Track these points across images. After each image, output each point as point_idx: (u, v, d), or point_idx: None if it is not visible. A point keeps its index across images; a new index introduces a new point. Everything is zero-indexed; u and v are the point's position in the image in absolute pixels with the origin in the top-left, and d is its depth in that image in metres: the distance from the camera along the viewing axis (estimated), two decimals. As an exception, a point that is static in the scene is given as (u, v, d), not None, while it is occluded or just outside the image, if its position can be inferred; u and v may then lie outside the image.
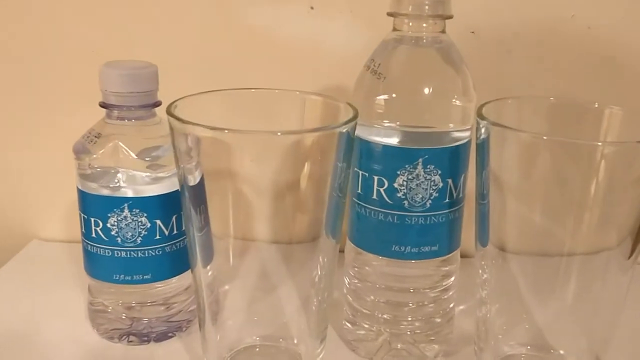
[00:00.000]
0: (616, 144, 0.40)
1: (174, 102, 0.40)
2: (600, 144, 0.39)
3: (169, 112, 0.39)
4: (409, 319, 0.48)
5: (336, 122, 0.40)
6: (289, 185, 0.41)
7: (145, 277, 0.48)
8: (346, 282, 0.49)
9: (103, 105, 0.47)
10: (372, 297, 0.48)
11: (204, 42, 0.60)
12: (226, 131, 0.36)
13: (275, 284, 0.45)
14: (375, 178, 0.44)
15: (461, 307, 0.53)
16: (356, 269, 0.48)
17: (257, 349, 0.47)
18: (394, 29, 0.44)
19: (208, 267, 0.43)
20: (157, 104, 0.47)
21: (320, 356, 0.46)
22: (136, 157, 0.46)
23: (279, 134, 0.37)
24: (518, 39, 0.58)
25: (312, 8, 0.58)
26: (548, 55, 0.59)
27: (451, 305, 0.49)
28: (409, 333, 0.47)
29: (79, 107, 0.53)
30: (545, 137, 0.38)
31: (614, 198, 0.39)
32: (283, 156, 0.39)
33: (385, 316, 0.48)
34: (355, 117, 0.39)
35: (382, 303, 0.47)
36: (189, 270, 0.47)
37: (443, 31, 0.44)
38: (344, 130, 0.39)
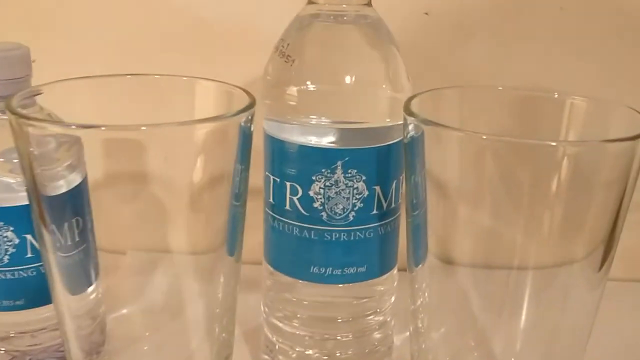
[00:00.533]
0: (577, 144, 0.33)
1: (29, 92, 0.32)
2: (555, 144, 0.31)
3: (9, 108, 0.30)
4: (338, 354, 0.40)
5: (232, 110, 0.32)
6: (183, 189, 0.33)
7: (16, 303, 0.40)
8: (262, 309, 0.41)
9: None
10: (291, 330, 0.40)
11: (103, 19, 0.52)
12: (73, 126, 0.29)
13: (173, 308, 0.38)
14: (288, 185, 0.37)
15: (404, 335, 0.44)
16: (273, 295, 0.40)
17: None
18: (309, 2, 0.36)
19: (89, 290, 0.36)
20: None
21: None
22: (2, 159, 0.38)
23: (143, 127, 0.29)
24: (480, 21, 0.50)
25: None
26: (513, 40, 0.51)
27: (389, 333, 0.42)
28: (337, 370, 0.40)
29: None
30: (486, 137, 0.30)
31: (579, 202, 0.32)
32: (166, 157, 0.32)
33: (308, 352, 0.40)
34: (250, 105, 0.31)
35: (304, 336, 0.39)
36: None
37: (369, 4, 0.36)
38: (237, 122, 0.31)
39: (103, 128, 0.29)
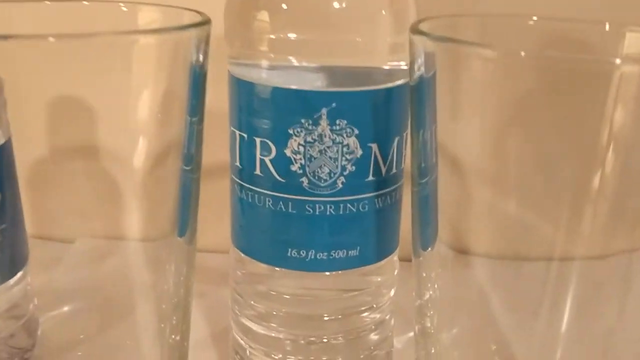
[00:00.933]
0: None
1: None
2: (619, 62, 0.22)
3: None
4: (324, 360, 0.31)
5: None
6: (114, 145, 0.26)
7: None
8: (231, 307, 0.33)
9: None
10: (265, 331, 0.31)
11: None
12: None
13: (115, 306, 0.31)
14: (258, 141, 0.28)
15: (409, 335, 0.36)
16: (242, 286, 0.32)
17: None
18: None
19: (10, 282, 0.30)
20: None
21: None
22: None
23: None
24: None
25: None
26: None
27: (389, 334, 0.34)
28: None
29: None
30: (526, 55, 0.22)
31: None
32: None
33: (289, 358, 0.32)
34: (203, 23, 0.23)
35: (282, 339, 0.31)
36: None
37: None
38: (186, 47, 0.23)
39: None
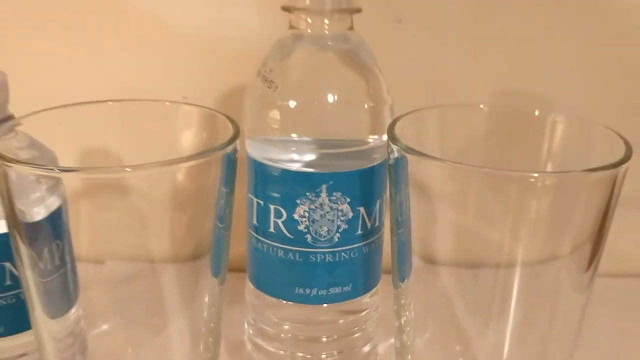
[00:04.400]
0: (559, 175, 0.33)
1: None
2: (537, 176, 0.31)
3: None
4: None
5: (215, 137, 0.32)
6: (165, 214, 0.33)
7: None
8: (246, 329, 0.41)
9: None
10: (274, 349, 0.40)
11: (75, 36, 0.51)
12: (55, 170, 0.29)
13: (157, 327, 0.37)
14: (272, 207, 0.36)
15: (390, 342, 0.44)
16: (257, 314, 0.40)
17: None
18: (291, 27, 0.36)
19: (70, 312, 0.35)
20: (8, 118, 0.38)
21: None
22: None
23: (127, 169, 0.29)
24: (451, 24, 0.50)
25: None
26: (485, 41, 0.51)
27: (375, 345, 0.42)
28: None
29: None
30: (466, 166, 0.30)
31: (564, 207, 0.32)
32: (152, 186, 0.31)
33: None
34: (235, 136, 0.31)
35: (287, 356, 0.40)
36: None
37: (350, 28, 0.36)
38: (223, 153, 0.31)
39: (82, 172, 0.29)
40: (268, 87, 0.35)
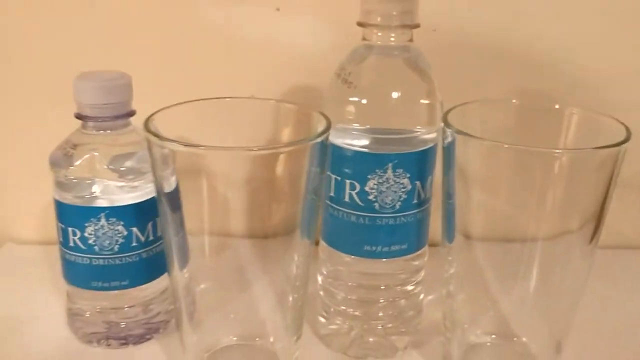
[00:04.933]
0: (573, 152, 0.43)
1: (151, 116, 0.41)
2: (558, 151, 0.41)
3: (146, 128, 0.39)
4: (380, 314, 0.50)
5: (309, 130, 0.42)
6: (265, 185, 0.42)
7: (122, 283, 0.49)
8: (319, 279, 0.51)
9: (78, 116, 0.47)
10: (344, 295, 0.49)
11: (174, 47, 0.61)
12: (201, 148, 0.38)
13: (250, 281, 0.46)
14: (347, 182, 0.46)
15: (430, 297, 0.54)
16: (329, 267, 0.50)
17: (234, 349, 0.48)
18: (364, 39, 0.46)
19: (185, 269, 0.44)
20: (132, 113, 0.48)
21: (296, 354, 0.47)
22: (111, 167, 0.47)
23: (254, 149, 0.38)
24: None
25: (278, 9, 0.59)
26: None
27: (421, 297, 0.52)
28: (380, 327, 0.50)
29: (54, 110, 0.53)
30: (505, 145, 0.40)
31: (575, 184, 0.41)
32: (257, 166, 0.40)
33: (357, 313, 0.50)
34: (328, 128, 0.41)
35: (354, 300, 0.49)
36: (166, 274, 0.48)
37: (410, 40, 0.46)
38: (318, 141, 0.40)
39: (223, 149, 0.38)
40: (348, 87, 0.45)
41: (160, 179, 0.41)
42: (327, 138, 0.41)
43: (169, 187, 0.41)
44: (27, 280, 0.60)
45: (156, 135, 0.39)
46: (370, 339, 0.50)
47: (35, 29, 0.61)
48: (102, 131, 0.47)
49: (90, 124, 0.47)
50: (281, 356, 0.47)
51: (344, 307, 0.50)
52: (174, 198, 0.42)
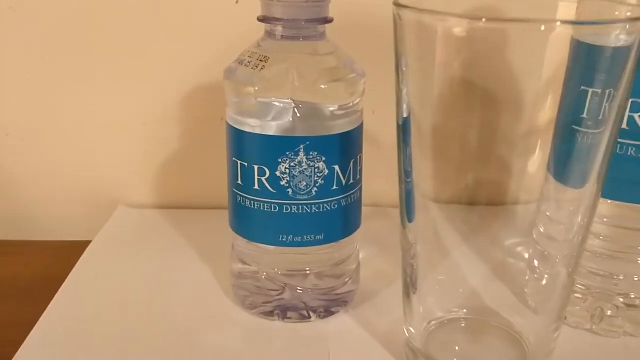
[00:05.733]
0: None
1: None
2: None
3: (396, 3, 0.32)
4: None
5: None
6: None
7: (317, 237, 0.41)
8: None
9: (263, 19, 0.39)
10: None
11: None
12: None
13: (487, 248, 0.39)
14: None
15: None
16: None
17: (463, 324, 0.42)
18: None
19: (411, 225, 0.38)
20: (329, 20, 0.40)
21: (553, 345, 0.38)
22: (313, 85, 0.39)
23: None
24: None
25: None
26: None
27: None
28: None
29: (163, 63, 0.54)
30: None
31: None
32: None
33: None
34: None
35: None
36: (357, 230, 0.43)
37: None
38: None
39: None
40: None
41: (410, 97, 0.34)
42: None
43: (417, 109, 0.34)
44: (161, 248, 0.54)
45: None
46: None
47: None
48: (294, 40, 0.40)
49: (279, 29, 0.39)
50: (532, 342, 0.40)
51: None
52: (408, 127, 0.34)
